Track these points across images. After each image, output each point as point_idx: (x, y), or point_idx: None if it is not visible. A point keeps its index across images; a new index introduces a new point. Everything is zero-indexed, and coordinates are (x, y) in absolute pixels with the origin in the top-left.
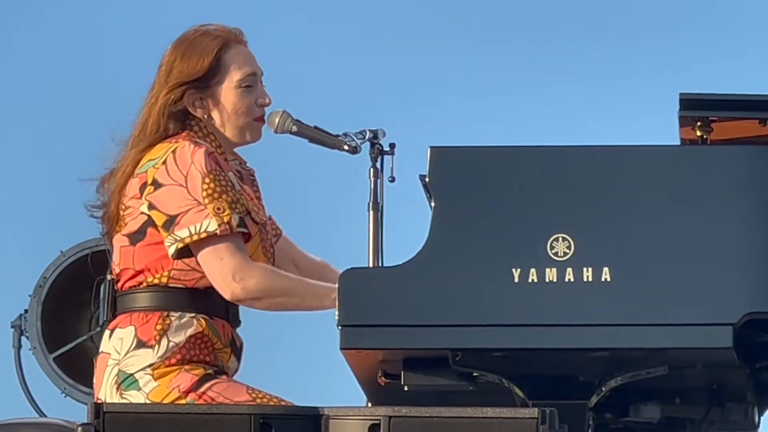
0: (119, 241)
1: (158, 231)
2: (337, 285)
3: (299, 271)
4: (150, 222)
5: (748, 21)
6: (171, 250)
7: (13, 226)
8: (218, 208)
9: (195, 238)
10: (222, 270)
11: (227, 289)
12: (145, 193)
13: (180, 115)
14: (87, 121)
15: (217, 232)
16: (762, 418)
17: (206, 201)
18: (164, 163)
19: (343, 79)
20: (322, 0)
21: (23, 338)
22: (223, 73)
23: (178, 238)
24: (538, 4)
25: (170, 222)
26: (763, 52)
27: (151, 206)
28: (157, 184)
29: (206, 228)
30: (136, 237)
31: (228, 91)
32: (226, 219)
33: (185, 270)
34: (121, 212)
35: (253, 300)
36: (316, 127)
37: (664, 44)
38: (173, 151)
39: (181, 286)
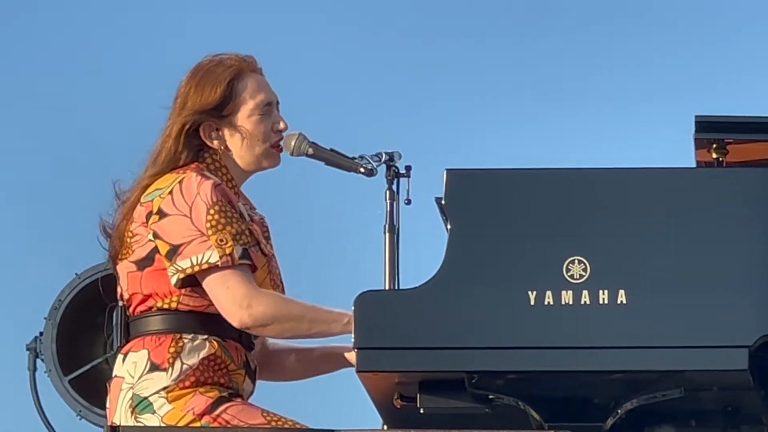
0: (126, 267)
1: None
2: (343, 310)
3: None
4: (157, 249)
5: (763, 41)
6: (173, 280)
7: (28, 248)
8: (221, 240)
9: (197, 269)
10: (229, 298)
11: (235, 317)
12: (150, 222)
13: (194, 145)
14: (105, 143)
15: (219, 263)
16: None
17: (209, 232)
18: (170, 193)
19: (359, 102)
20: (338, 23)
21: (38, 361)
22: (238, 102)
23: (180, 269)
24: (557, 26)
25: (173, 252)
26: None
27: (155, 235)
28: (162, 214)
29: (208, 259)
30: (143, 263)
31: (243, 119)
32: (228, 251)
33: (194, 296)
34: (128, 239)
35: (262, 327)
36: (332, 150)
37: (681, 66)
38: (180, 182)
39: (191, 310)
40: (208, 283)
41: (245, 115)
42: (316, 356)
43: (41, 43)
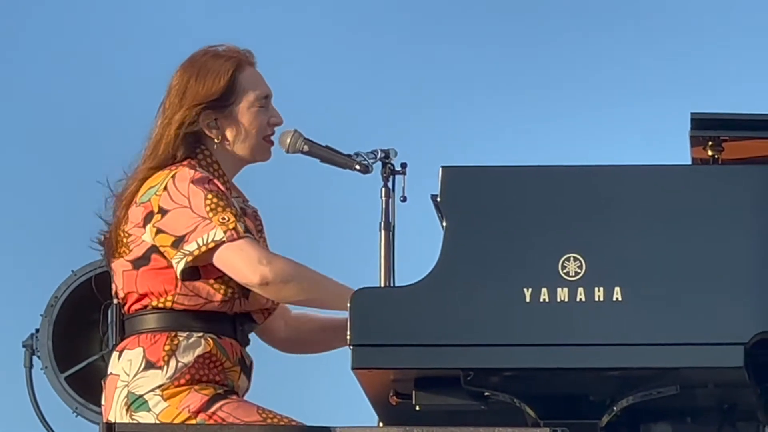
0: (121, 265)
1: (162, 257)
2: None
3: (288, 325)
4: (154, 248)
5: (760, 39)
6: (180, 267)
7: (24, 245)
8: (223, 218)
9: (203, 249)
10: (245, 258)
11: (255, 274)
12: (153, 221)
13: (191, 139)
14: (99, 139)
15: (224, 239)
16: None
17: (210, 215)
18: (165, 189)
19: (355, 99)
20: (335, 19)
21: (35, 358)
22: (239, 93)
23: (187, 252)
24: (553, 25)
25: (179, 240)
26: None
27: (159, 231)
28: (163, 211)
29: (213, 237)
30: (139, 262)
31: (243, 111)
32: (231, 226)
33: (189, 295)
34: (124, 239)
35: (282, 284)
36: (327, 147)
37: (677, 63)
38: (173, 177)
39: (186, 309)
40: (220, 257)
41: (246, 107)
42: (339, 326)
43: (31, 40)
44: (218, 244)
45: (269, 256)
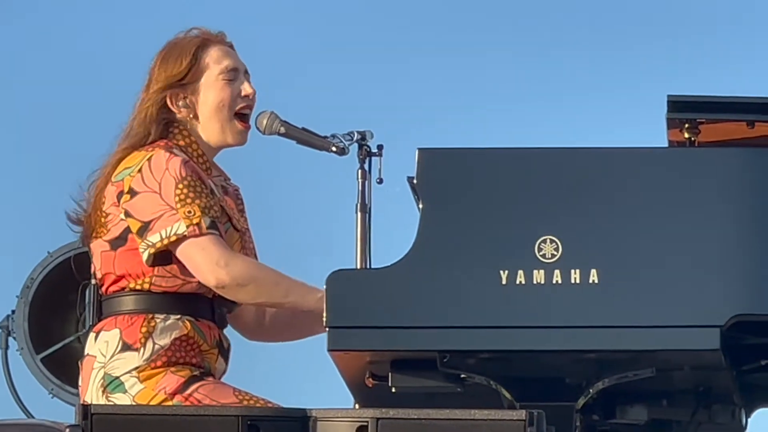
0: (99, 246)
1: None
2: (319, 287)
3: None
4: (130, 228)
5: (737, 24)
6: (144, 256)
7: None
8: (189, 212)
9: (165, 242)
10: (205, 258)
11: (212, 276)
12: (122, 201)
13: (164, 120)
14: (74, 122)
15: (186, 233)
16: (749, 419)
17: (178, 206)
18: (140, 171)
19: (331, 81)
20: (311, 3)
21: (10, 339)
22: (203, 69)
23: (150, 244)
24: (526, 7)
25: (144, 228)
26: (752, 54)
27: (127, 214)
28: (132, 192)
29: (175, 231)
30: (117, 243)
31: (208, 86)
32: (195, 221)
33: (166, 276)
34: (102, 219)
35: (239, 287)
36: (304, 129)
37: (654, 47)
38: (149, 159)
39: (164, 291)
40: (182, 252)
41: (210, 81)
42: (309, 315)
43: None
44: (180, 239)
45: (228, 257)
